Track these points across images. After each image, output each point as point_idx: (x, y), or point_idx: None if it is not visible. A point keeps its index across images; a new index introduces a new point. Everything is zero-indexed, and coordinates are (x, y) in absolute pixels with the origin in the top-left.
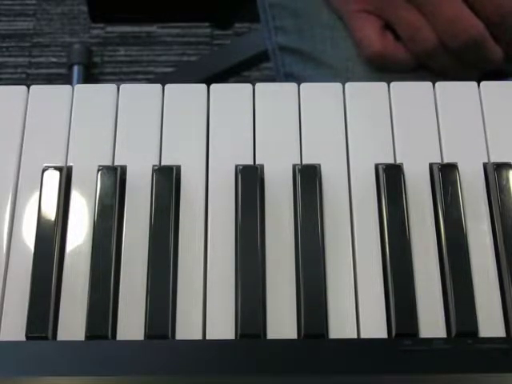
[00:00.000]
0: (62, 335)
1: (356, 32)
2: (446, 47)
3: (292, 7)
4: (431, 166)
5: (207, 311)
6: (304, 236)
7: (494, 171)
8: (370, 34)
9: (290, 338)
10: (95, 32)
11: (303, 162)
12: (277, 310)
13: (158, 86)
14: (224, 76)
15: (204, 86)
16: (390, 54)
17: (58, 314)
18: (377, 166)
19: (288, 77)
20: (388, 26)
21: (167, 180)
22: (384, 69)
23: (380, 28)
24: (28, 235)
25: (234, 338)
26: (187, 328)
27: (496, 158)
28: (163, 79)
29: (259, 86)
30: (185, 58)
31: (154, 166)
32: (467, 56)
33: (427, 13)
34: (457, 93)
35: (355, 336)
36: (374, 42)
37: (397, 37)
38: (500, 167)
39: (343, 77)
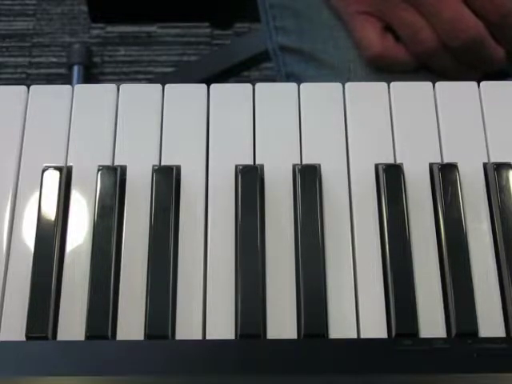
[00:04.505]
0: (62, 335)
1: (356, 33)
2: (446, 48)
3: (293, 7)
4: (431, 166)
5: (207, 311)
6: (304, 236)
7: (494, 171)
8: (371, 35)
9: (290, 338)
10: (95, 32)
11: (303, 162)
12: (277, 309)
13: (158, 86)
14: (224, 76)
15: (204, 86)
16: (391, 55)
17: (58, 314)
18: (377, 166)
19: (289, 77)
20: (388, 28)
21: (167, 180)
22: (385, 69)
23: (380, 29)
24: (28, 235)
25: (234, 338)
26: (187, 328)
27: (496, 158)
28: (163, 79)
29: (259, 86)
30: (185, 58)
31: (154, 166)
32: (468, 56)
33: (427, 13)
34: (457, 93)
35: (355, 336)
36: (375, 43)
37: (397, 38)
38: (500, 167)
39: (345, 77)
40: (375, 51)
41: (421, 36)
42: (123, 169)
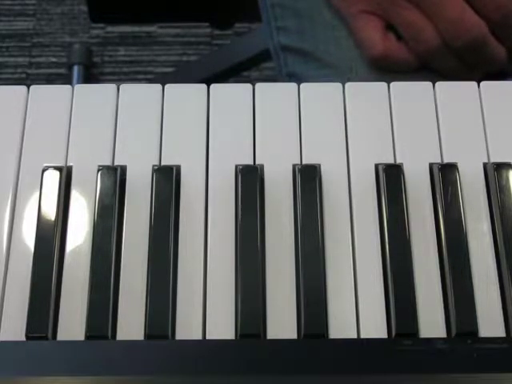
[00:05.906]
0: (61, 335)
1: (358, 33)
2: (448, 47)
3: (294, 7)
4: (431, 165)
5: (207, 311)
6: (304, 236)
7: (493, 171)
8: (373, 34)
9: (290, 338)
10: (95, 32)
11: (303, 162)
12: (277, 309)
13: (158, 86)
14: (224, 76)
15: (204, 86)
16: (393, 54)
17: (58, 314)
18: (377, 166)
19: (290, 77)
20: (390, 27)
21: (167, 180)
22: (387, 69)
23: (382, 29)
24: (28, 235)
25: (234, 338)
26: (187, 328)
27: (496, 158)
28: (163, 79)
29: (259, 86)
30: (185, 58)
31: (154, 165)
32: (470, 56)
33: (430, 13)
34: (457, 93)
35: (355, 336)
36: (377, 42)
37: (399, 37)
38: (500, 167)
39: (346, 77)
40: (377, 51)
41: (423, 35)
42: (123, 169)
